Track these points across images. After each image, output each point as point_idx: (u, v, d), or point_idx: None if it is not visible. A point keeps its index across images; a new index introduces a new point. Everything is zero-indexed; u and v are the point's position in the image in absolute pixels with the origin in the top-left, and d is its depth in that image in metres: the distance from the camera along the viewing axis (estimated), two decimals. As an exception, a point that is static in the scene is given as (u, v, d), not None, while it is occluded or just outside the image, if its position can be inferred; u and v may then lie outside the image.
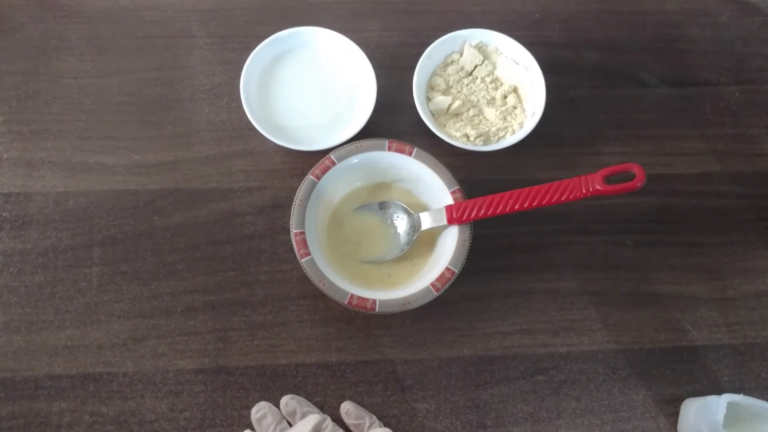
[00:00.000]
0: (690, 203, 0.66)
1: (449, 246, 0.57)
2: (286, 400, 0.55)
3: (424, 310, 0.55)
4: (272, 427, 0.53)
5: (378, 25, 0.71)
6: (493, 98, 0.66)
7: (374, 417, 0.55)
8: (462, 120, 0.65)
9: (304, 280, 0.56)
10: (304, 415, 0.54)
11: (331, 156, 0.58)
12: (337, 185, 0.60)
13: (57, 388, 0.56)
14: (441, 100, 0.64)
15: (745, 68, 0.72)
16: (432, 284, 0.54)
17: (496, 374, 0.58)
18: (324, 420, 0.53)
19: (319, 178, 0.57)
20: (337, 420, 0.55)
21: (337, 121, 0.64)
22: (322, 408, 0.56)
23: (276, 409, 0.55)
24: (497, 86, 0.67)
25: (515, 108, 0.65)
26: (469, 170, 0.63)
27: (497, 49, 0.67)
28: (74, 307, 0.58)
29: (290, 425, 0.54)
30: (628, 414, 0.58)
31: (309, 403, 0.56)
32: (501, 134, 0.64)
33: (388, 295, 0.55)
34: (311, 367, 0.58)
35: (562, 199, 0.53)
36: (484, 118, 0.65)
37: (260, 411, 0.54)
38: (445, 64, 0.67)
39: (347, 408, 0.55)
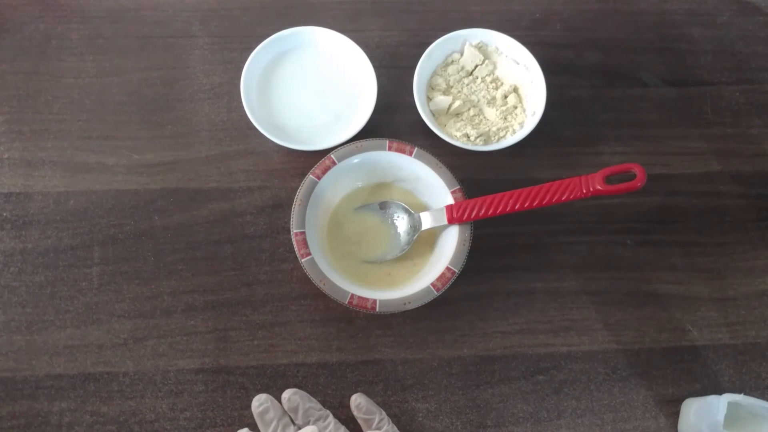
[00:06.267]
0: (690, 203, 0.66)
1: (449, 246, 0.56)
2: (288, 395, 0.54)
3: (424, 310, 0.55)
4: (275, 422, 0.53)
5: (378, 24, 0.71)
6: (494, 98, 0.66)
7: (384, 413, 0.55)
8: (462, 120, 0.65)
9: (305, 279, 0.56)
10: (306, 412, 0.53)
11: (332, 156, 0.58)
12: (337, 185, 0.60)
13: (57, 388, 0.56)
14: (441, 100, 0.64)
15: (746, 68, 0.72)
16: (432, 284, 0.54)
17: (497, 374, 0.58)
18: (327, 426, 0.53)
19: (319, 178, 0.57)
20: (340, 416, 0.55)
21: (338, 120, 0.64)
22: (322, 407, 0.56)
23: (278, 403, 0.55)
24: (498, 86, 0.67)
25: (515, 108, 0.65)
26: (470, 170, 0.63)
27: (498, 49, 0.67)
28: (75, 307, 0.58)
29: (292, 421, 0.54)
30: (628, 414, 0.58)
31: (312, 398, 0.55)
32: (501, 134, 0.64)
33: (389, 294, 0.55)
34: (312, 367, 0.58)
35: (563, 198, 0.53)
36: (485, 117, 0.65)
37: (262, 405, 0.54)
38: (446, 64, 0.67)
39: (358, 401, 0.55)
